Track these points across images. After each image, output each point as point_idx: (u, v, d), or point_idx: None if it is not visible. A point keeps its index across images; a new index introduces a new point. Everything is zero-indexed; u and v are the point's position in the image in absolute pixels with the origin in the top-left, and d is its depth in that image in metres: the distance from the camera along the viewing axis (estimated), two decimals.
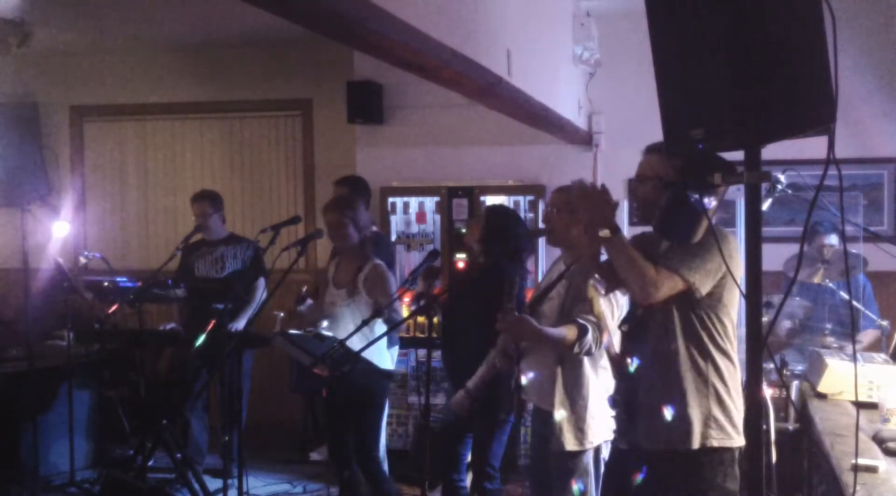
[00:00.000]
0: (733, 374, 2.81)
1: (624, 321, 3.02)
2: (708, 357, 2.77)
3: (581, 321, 3.29)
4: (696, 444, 2.73)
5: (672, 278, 2.68)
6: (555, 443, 3.35)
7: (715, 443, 2.75)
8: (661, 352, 2.80)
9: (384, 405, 4.51)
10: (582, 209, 2.78)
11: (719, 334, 2.78)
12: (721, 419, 2.75)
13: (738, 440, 2.78)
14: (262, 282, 5.47)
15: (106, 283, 4.92)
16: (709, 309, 2.76)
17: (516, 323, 3.30)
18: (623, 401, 2.96)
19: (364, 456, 4.35)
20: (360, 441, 4.35)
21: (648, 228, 2.86)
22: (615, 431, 3.06)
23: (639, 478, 2.84)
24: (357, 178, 5.56)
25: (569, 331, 3.29)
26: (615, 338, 3.27)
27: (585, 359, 3.36)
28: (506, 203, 6.04)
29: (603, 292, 3.09)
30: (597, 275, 2.99)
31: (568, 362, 3.36)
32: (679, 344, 2.77)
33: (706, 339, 2.77)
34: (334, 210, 4.35)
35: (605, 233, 2.69)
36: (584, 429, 3.35)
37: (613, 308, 3.35)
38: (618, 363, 3.13)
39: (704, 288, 2.70)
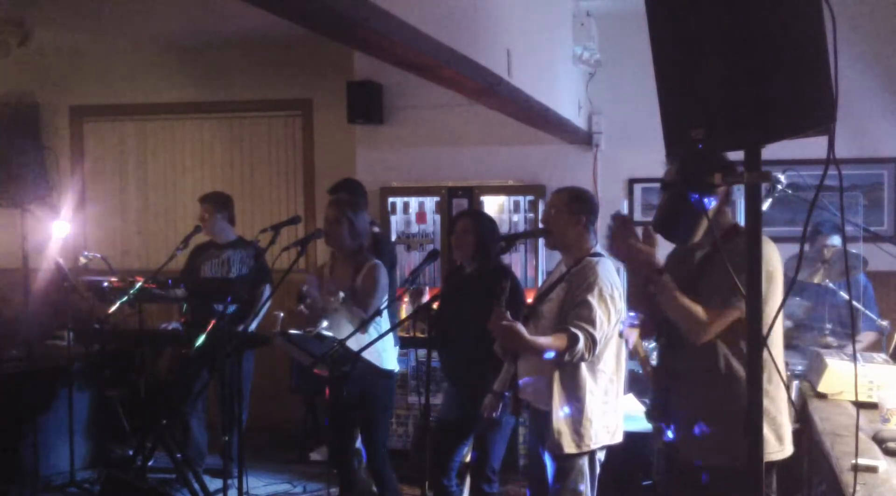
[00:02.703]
0: (778, 385, 2.70)
1: (660, 334, 2.92)
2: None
3: (573, 330, 3.25)
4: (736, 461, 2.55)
5: (722, 316, 2.61)
6: (552, 446, 3.34)
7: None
8: (700, 367, 2.71)
9: (389, 404, 4.49)
10: (618, 245, 2.72)
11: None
12: (767, 433, 2.60)
13: (785, 451, 2.70)
14: (267, 288, 5.45)
15: (106, 284, 4.91)
16: None
17: (505, 330, 3.25)
18: (658, 415, 2.88)
19: (371, 455, 4.36)
20: (366, 440, 4.36)
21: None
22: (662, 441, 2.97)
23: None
24: (352, 182, 5.42)
25: (557, 341, 3.26)
26: (625, 342, 3.20)
27: (582, 363, 3.34)
28: (505, 203, 6.04)
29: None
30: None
31: (565, 364, 3.34)
32: (720, 357, 2.67)
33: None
34: (335, 205, 4.36)
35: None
36: (582, 432, 3.34)
37: (611, 313, 3.34)
38: (654, 376, 3.05)
39: None
